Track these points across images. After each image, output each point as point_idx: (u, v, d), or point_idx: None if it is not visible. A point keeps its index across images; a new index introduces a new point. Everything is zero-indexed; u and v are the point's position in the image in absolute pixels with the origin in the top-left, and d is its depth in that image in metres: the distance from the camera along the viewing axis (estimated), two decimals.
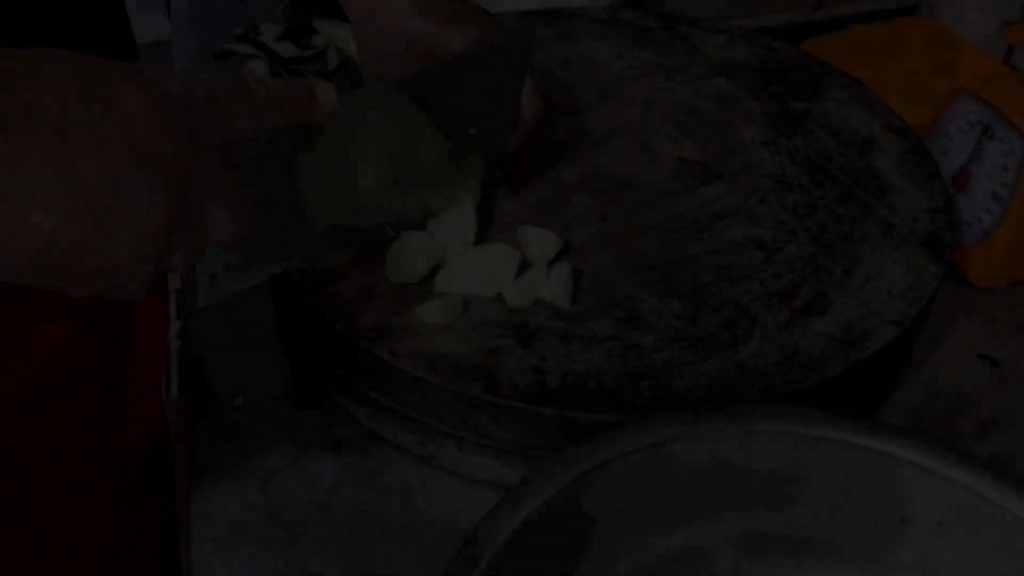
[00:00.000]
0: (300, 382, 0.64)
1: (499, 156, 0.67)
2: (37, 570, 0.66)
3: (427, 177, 0.61)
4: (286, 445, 0.61)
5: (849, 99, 0.81)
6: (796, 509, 0.52)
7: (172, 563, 0.75)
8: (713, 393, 0.56)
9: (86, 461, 0.65)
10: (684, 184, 0.72)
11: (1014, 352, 0.70)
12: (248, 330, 0.68)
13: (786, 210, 0.69)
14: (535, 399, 0.55)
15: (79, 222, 0.36)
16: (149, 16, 1.25)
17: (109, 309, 0.61)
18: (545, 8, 0.92)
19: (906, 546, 0.51)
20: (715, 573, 0.52)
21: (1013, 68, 0.94)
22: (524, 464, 0.57)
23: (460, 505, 0.58)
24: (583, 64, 0.84)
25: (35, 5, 0.53)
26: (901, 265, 0.65)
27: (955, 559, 0.50)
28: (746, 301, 0.62)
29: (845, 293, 0.63)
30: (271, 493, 0.58)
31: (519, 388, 0.55)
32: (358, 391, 0.60)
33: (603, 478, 0.49)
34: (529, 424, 0.55)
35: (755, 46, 0.87)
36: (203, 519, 0.57)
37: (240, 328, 0.68)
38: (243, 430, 0.62)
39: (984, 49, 0.95)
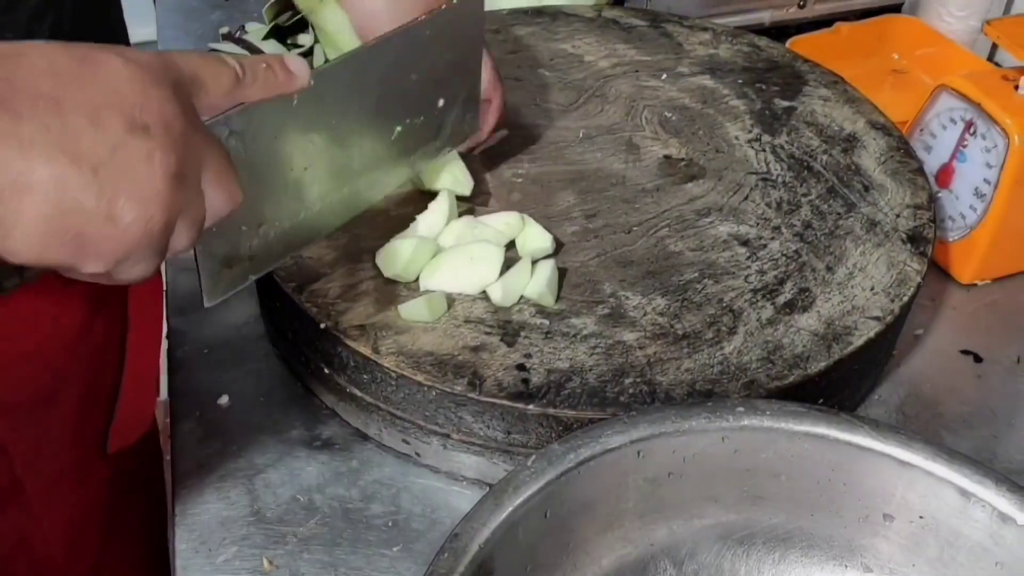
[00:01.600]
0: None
1: (472, 132, 0.67)
2: (28, 568, 0.65)
3: (404, 152, 0.61)
4: (270, 444, 0.61)
5: (833, 96, 0.81)
6: (779, 504, 0.52)
7: (163, 561, 0.75)
8: (696, 389, 0.56)
9: (81, 458, 0.65)
10: (669, 181, 0.72)
11: (997, 347, 0.70)
12: (233, 329, 0.68)
13: (770, 207, 0.70)
14: (519, 397, 0.55)
15: (84, 189, 0.36)
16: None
17: (103, 307, 0.61)
18: (531, 6, 0.92)
19: (889, 540, 0.51)
20: (699, 568, 0.52)
21: (997, 66, 0.94)
22: (509, 461, 0.57)
23: (445, 502, 0.58)
24: (569, 62, 0.84)
25: (31, 14, 0.53)
26: (884, 261, 0.65)
27: (937, 553, 0.50)
28: (730, 298, 0.62)
29: (828, 289, 0.63)
30: (255, 492, 0.58)
31: (503, 386, 0.55)
32: (343, 389, 0.60)
33: (586, 475, 0.49)
34: (513, 422, 0.55)
35: (740, 44, 0.87)
36: (187, 518, 0.57)
37: (225, 327, 0.68)
38: (227, 429, 0.62)
39: (968, 47, 0.96)
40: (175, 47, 1.00)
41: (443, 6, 0.60)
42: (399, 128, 0.60)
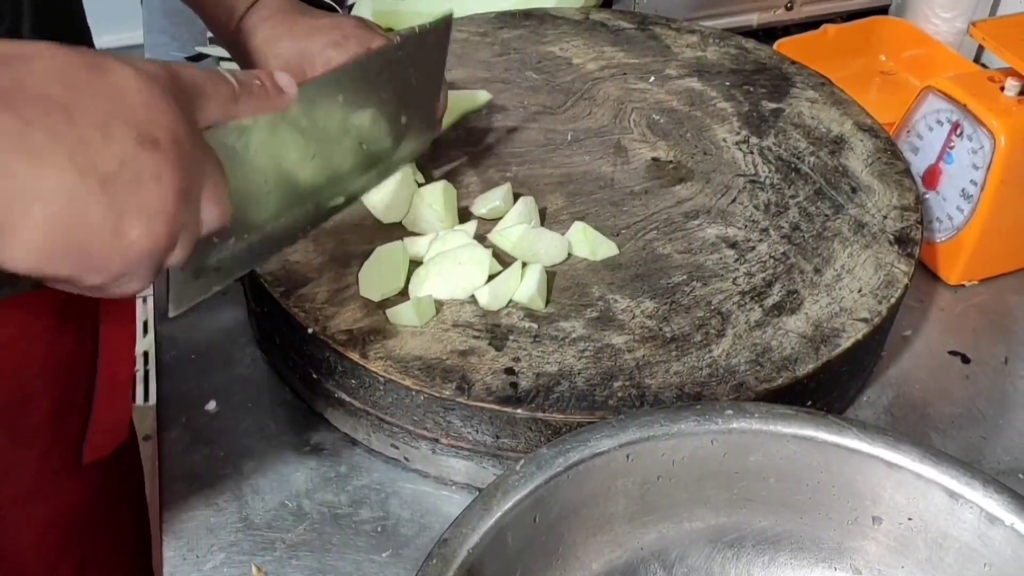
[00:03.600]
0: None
1: (428, 141, 0.68)
2: None
3: (366, 166, 0.61)
4: (258, 449, 0.61)
5: (821, 98, 0.81)
6: (769, 507, 0.52)
7: (146, 570, 0.75)
8: (685, 392, 0.56)
9: (56, 470, 0.64)
10: (657, 184, 0.72)
11: (985, 348, 0.70)
12: (220, 334, 0.68)
13: (758, 209, 0.70)
14: (508, 401, 0.54)
15: (92, 202, 0.35)
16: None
17: (73, 318, 0.60)
18: (519, 9, 0.92)
19: (878, 542, 0.51)
20: (689, 571, 0.52)
21: (983, 67, 0.95)
22: (498, 465, 0.57)
23: (434, 507, 0.58)
24: (557, 65, 0.84)
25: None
26: (872, 263, 0.65)
27: (926, 555, 0.50)
28: (718, 300, 0.62)
29: (816, 291, 0.63)
30: (243, 498, 0.58)
31: (491, 390, 0.55)
32: (331, 394, 0.60)
33: (575, 479, 0.49)
34: (502, 426, 0.55)
35: (727, 46, 0.87)
36: (174, 525, 0.56)
37: (212, 332, 0.68)
38: (215, 435, 0.61)
39: (955, 48, 0.96)
40: (162, 51, 0.99)
41: (417, 29, 0.62)
42: (365, 145, 0.60)
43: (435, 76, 0.67)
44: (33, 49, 0.36)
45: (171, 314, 0.50)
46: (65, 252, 0.35)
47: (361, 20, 0.70)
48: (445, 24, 0.65)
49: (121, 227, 0.36)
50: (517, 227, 0.63)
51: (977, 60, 0.97)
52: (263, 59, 0.67)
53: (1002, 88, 0.72)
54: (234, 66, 0.91)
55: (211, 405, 0.63)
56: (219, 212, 0.42)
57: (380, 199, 0.66)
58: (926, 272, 0.76)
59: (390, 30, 0.83)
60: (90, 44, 0.66)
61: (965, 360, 0.69)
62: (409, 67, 0.62)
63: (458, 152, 0.74)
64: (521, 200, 0.66)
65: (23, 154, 0.34)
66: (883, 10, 1.03)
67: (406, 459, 0.60)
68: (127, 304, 0.64)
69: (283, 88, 0.46)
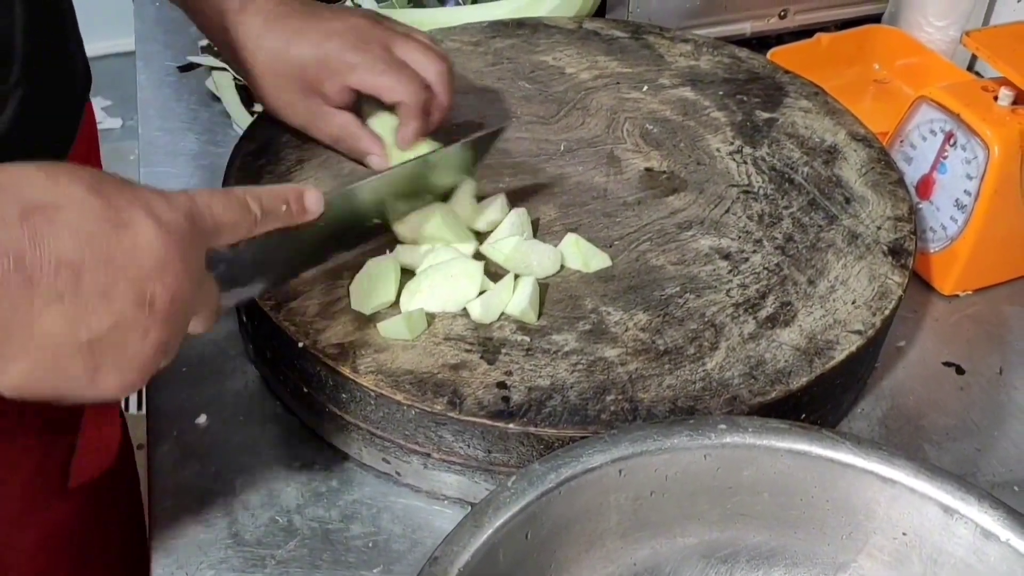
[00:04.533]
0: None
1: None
2: None
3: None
4: (249, 464, 0.60)
5: (814, 108, 0.81)
6: (763, 522, 0.52)
7: None
8: (679, 406, 0.55)
9: (43, 493, 0.63)
10: (650, 194, 0.72)
11: (979, 359, 0.70)
12: (211, 346, 0.67)
13: (752, 220, 0.69)
14: (500, 415, 0.54)
15: (74, 358, 0.37)
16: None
17: None
18: (512, 18, 0.92)
19: (873, 557, 0.51)
20: None
21: (977, 75, 0.95)
22: (490, 480, 0.57)
23: (426, 522, 0.58)
24: (550, 74, 0.84)
25: None
26: (865, 274, 0.65)
27: (921, 570, 0.50)
28: (711, 312, 0.62)
29: (810, 303, 0.63)
30: (234, 514, 0.57)
31: (483, 404, 0.55)
32: (322, 408, 0.60)
33: (567, 495, 0.48)
34: (494, 440, 0.55)
35: (721, 55, 0.87)
36: (164, 542, 0.56)
37: (203, 344, 0.67)
38: (205, 450, 0.61)
39: (948, 57, 0.96)
40: (155, 60, 0.99)
41: (470, 140, 0.65)
42: (377, 220, 0.62)
43: (472, 168, 0.68)
44: (63, 194, 0.37)
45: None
46: (40, 392, 0.38)
47: (372, 15, 0.68)
48: (493, 135, 0.67)
49: (96, 380, 0.38)
50: (510, 240, 0.63)
51: (971, 68, 0.97)
52: (273, 68, 0.65)
53: (996, 97, 0.72)
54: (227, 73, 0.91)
55: (202, 419, 0.63)
56: (203, 328, 0.44)
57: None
58: (920, 282, 0.75)
59: None
60: (80, 48, 0.66)
61: (960, 371, 0.69)
62: (445, 168, 0.65)
63: None
64: (513, 212, 0.66)
65: (22, 312, 0.36)
66: (876, 18, 1.03)
67: (398, 473, 0.59)
68: None
69: (309, 209, 0.47)
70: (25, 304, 0.36)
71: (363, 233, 0.62)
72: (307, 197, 0.47)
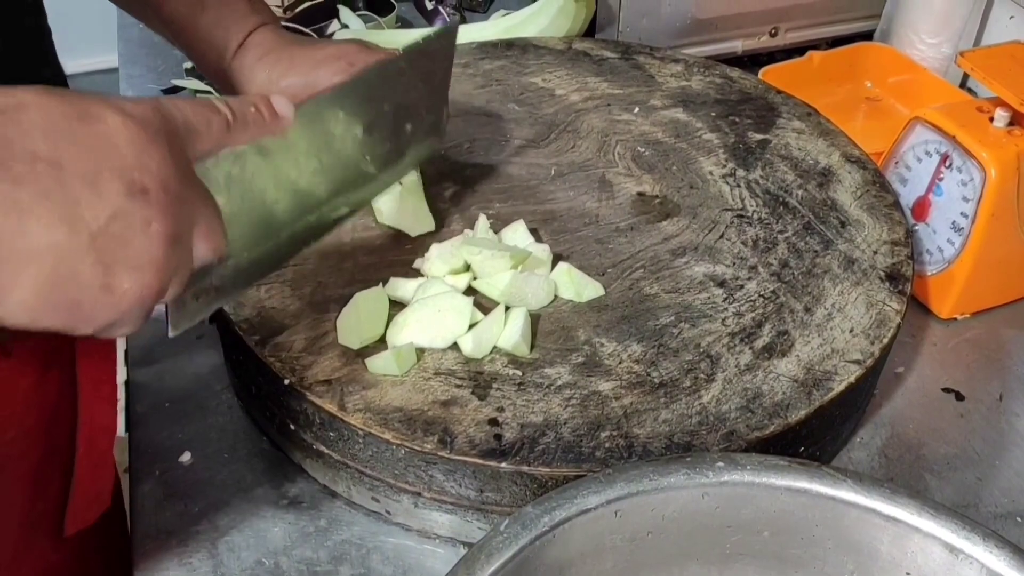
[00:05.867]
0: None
1: (436, 147, 0.67)
2: None
3: (370, 176, 0.61)
4: (234, 503, 0.59)
5: (807, 129, 0.80)
6: (763, 561, 0.51)
7: None
8: (675, 442, 0.54)
9: (37, 540, 0.61)
10: (643, 220, 0.70)
11: (979, 385, 0.69)
12: (195, 380, 0.66)
13: (746, 245, 0.68)
14: (491, 454, 0.53)
15: (82, 258, 0.35)
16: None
17: (49, 375, 0.58)
18: (501, 39, 0.90)
19: None
20: None
21: (970, 92, 0.94)
22: (483, 519, 0.55)
23: (417, 562, 0.56)
24: (540, 96, 0.83)
25: None
26: (863, 301, 0.64)
27: None
28: (707, 343, 0.60)
29: (807, 332, 0.61)
30: (218, 557, 0.56)
31: (475, 443, 0.53)
32: (309, 445, 0.58)
33: (562, 537, 0.47)
34: (486, 480, 0.53)
35: (712, 76, 0.86)
36: None
37: (187, 378, 0.66)
38: (189, 489, 0.59)
39: (941, 74, 0.95)
40: (138, 82, 0.98)
41: (421, 40, 0.62)
42: (368, 156, 0.59)
43: (441, 84, 0.66)
44: (23, 98, 0.36)
45: (170, 334, 0.49)
46: (56, 307, 0.36)
47: (361, 43, 0.68)
48: (449, 33, 0.65)
49: (111, 281, 0.36)
50: (504, 274, 0.61)
51: (963, 85, 0.97)
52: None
53: (991, 118, 0.71)
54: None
55: (185, 456, 0.61)
56: (212, 247, 0.42)
57: (386, 203, 0.66)
58: (917, 305, 0.74)
59: None
60: (57, 75, 0.64)
61: (959, 397, 0.68)
62: (413, 78, 0.62)
63: (438, 189, 0.72)
64: (511, 227, 0.66)
65: (12, 215, 0.34)
66: (868, 36, 1.02)
67: (387, 512, 0.58)
68: (107, 358, 0.61)
69: (280, 112, 0.45)
70: (12, 206, 0.34)
71: (356, 181, 0.59)
72: (275, 100, 0.46)
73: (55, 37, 0.66)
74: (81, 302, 0.36)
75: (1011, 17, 0.95)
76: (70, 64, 0.67)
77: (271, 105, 0.45)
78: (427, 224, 0.68)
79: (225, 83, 0.67)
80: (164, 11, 0.64)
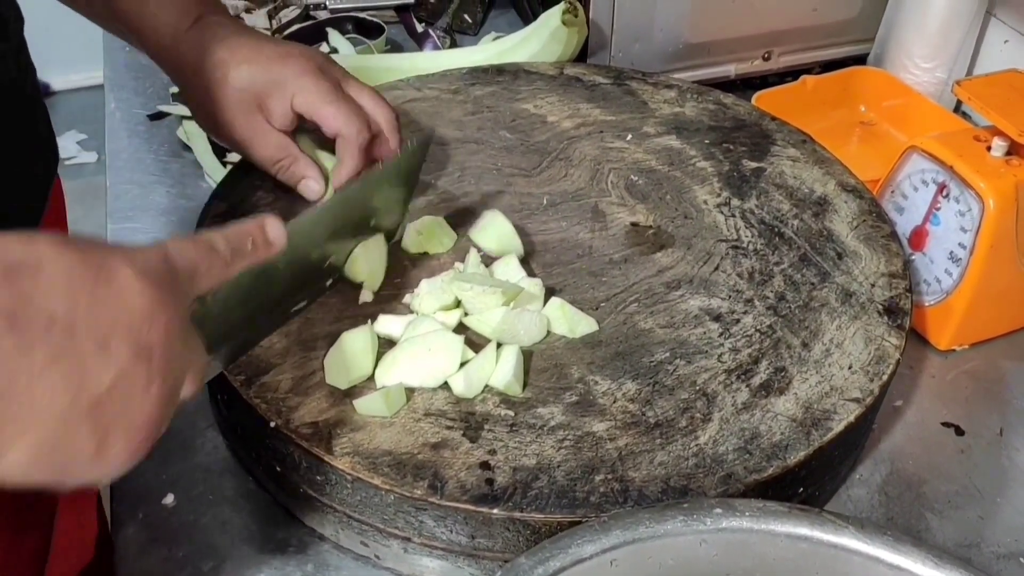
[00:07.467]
0: None
1: (396, 231, 0.69)
2: None
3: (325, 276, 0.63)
4: (219, 548, 0.57)
5: (802, 157, 0.79)
6: None
7: None
8: (671, 486, 0.53)
9: None
10: (637, 251, 0.69)
11: (979, 418, 0.68)
12: (179, 420, 0.64)
13: (742, 277, 0.67)
14: (483, 500, 0.51)
15: (79, 427, 0.35)
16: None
17: None
18: (492, 65, 0.89)
19: None
20: None
21: (965, 117, 0.93)
22: (475, 565, 0.54)
23: None
24: (531, 123, 0.82)
25: None
26: (861, 336, 0.62)
27: None
28: (703, 380, 0.59)
29: (805, 368, 0.60)
30: None
31: (466, 488, 0.52)
32: (296, 488, 0.56)
33: None
34: (478, 526, 0.52)
35: (706, 102, 0.85)
36: None
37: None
38: (173, 532, 0.58)
39: (935, 98, 0.95)
40: (124, 106, 0.96)
41: (399, 151, 0.67)
42: (334, 256, 0.62)
43: (411, 181, 0.68)
44: (42, 252, 0.36)
45: None
46: (45, 472, 0.36)
47: (324, 55, 0.70)
48: (425, 142, 0.68)
49: (104, 446, 0.36)
50: (496, 311, 0.60)
51: (957, 110, 0.96)
52: (223, 81, 0.65)
53: (988, 147, 0.70)
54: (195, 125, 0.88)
55: (169, 499, 0.60)
56: (192, 392, 0.42)
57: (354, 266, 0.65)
58: (915, 335, 0.73)
59: None
60: (48, 130, 0.64)
61: (959, 432, 0.67)
62: (387, 185, 0.65)
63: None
64: (502, 261, 0.65)
65: (22, 378, 0.34)
66: (861, 59, 1.02)
67: (377, 557, 0.56)
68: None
69: (273, 241, 0.46)
70: (23, 370, 0.34)
71: (318, 277, 0.61)
72: (268, 228, 0.46)
73: (39, 55, 0.65)
74: (71, 467, 0.36)
75: (1005, 41, 0.94)
76: (57, 80, 0.67)
77: (265, 233, 0.46)
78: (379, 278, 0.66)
79: (177, 63, 0.66)
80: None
